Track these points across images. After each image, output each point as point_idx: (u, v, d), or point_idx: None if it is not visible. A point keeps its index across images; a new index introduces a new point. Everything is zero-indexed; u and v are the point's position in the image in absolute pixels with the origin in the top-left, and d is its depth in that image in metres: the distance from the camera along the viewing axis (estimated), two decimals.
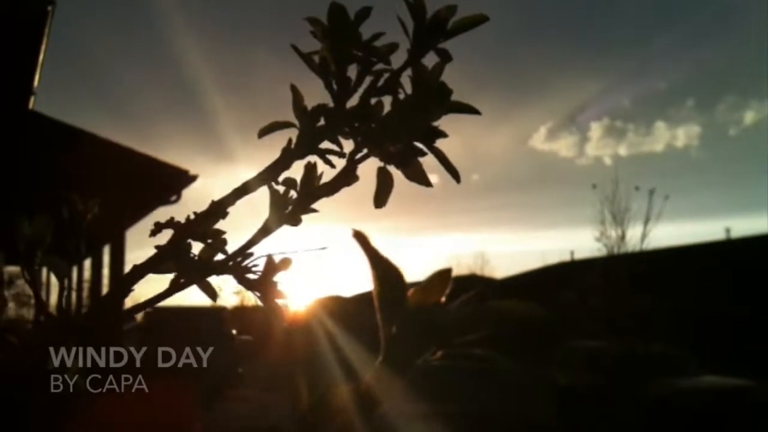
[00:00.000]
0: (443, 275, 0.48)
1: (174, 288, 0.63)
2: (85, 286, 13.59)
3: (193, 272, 0.62)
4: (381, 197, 0.54)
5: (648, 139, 39.28)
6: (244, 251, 0.61)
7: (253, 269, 0.61)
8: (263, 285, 0.61)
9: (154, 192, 11.14)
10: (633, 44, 38.87)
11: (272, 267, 0.61)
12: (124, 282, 0.62)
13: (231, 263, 0.61)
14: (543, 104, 38.03)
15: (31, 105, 8.19)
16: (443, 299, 0.47)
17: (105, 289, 11.79)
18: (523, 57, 39.00)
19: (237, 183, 0.59)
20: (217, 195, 0.60)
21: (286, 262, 0.61)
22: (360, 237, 0.48)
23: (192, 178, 10.96)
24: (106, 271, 11.66)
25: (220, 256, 0.61)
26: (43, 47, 7.04)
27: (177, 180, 10.88)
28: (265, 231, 0.60)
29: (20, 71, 7.37)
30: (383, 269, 0.48)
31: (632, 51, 38.29)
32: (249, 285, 0.61)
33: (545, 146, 40.45)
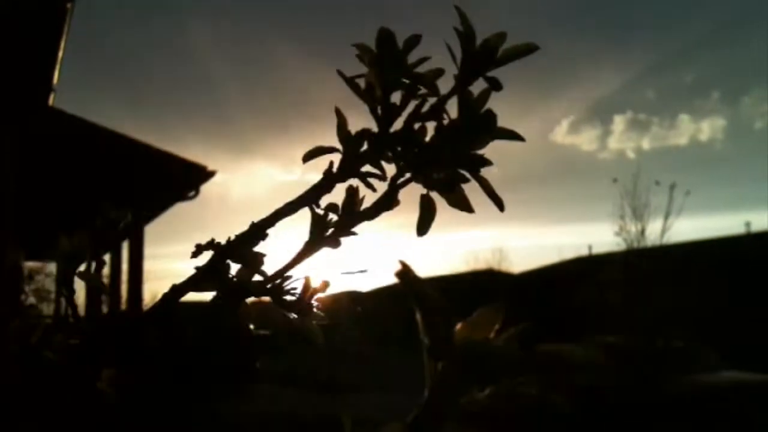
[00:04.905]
0: (494, 311, 0.47)
1: (213, 308, 0.63)
2: (105, 281, 13.69)
3: (232, 294, 0.61)
4: (424, 226, 0.53)
5: (672, 133, 38.82)
6: (282, 273, 0.61)
7: (291, 291, 0.61)
8: (301, 307, 0.61)
9: (173, 188, 11.19)
10: (658, 36, 38.41)
11: (310, 290, 0.61)
12: (165, 302, 0.63)
13: (269, 285, 0.61)
14: (565, 97, 37.63)
15: (51, 101, 8.25)
16: (492, 335, 0.46)
17: (124, 285, 11.84)
18: (547, 49, 38.50)
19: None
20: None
21: (324, 285, 0.61)
22: (404, 274, 0.48)
23: (210, 174, 11.00)
24: (125, 267, 11.74)
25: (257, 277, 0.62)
26: (62, 44, 7.08)
27: (195, 176, 10.93)
28: (304, 253, 0.60)
29: (40, 68, 7.41)
30: (429, 304, 0.47)
31: (657, 43, 37.81)
32: (287, 306, 0.61)
33: (567, 140, 40.04)
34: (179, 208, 11.87)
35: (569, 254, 24.71)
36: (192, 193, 11.16)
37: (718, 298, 14.47)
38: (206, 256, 0.61)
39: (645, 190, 13.44)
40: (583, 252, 22.45)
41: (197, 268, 0.61)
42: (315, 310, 0.61)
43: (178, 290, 0.62)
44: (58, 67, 7.52)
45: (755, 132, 33.32)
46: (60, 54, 7.27)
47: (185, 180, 11.03)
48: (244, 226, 0.62)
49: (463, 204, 0.53)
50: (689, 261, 13.92)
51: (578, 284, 14.20)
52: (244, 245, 0.59)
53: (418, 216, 0.54)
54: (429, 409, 0.46)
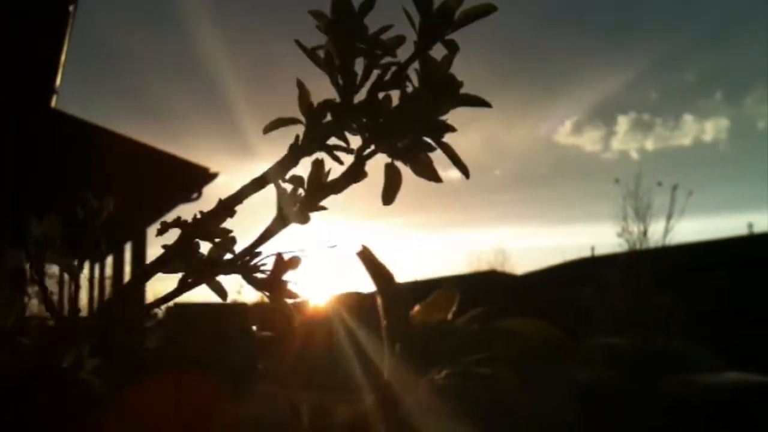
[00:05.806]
0: (449, 294, 0.47)
1: (182, 287, 0.62)
2: (108, 282, 13.71)
3: (201, 272, 0.61)
4: (389, 194, 0.52)
5: (675, 133, 38.71)
6: (251, 250, 0.60)
7: (262, 268, 0.60)
8: (272, 284, 0.60)
9: (175, 190, 11.21)
10: (661, 36, 38.34)
11: (281, 266, 0.60)
12: (134, 281, 0.62)
13: (239, 262, 0.60)
14: (568, 97, 37.54)
15: (53, 104, 8.26)
16: (450, 317, 0.46)
17: None
18: (549, 49, 38.52)
19: None
20: None
21: (295, 261, 0.60)
22: (364, 256, 0.48)
23: (213, 176, 11.02)
24: (127, 268, 11.76)
25: (228, 255, 0.61)
26: (65, 46, 7.10)
27: (198, 178, 10.95)
28: (272, 229, 0.59)
29: (42, 70, 7.43)
30: (387, 288, 0.47)
31: (660, 43, 37.71)
32: (257, 284, 0.61)
33: (570, 140, 40.01)
34: (181, 210, 11.87)
35: (572, 255, 24.70)
36: (195, 195, 11.18)
37: (719, 299, 14.44)
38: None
39: (647, 191, 13.43)
40: (586, 253, 22.45)
41: (165, 247, 0.60)
42: (287, 287, 0.61)
43: (147, 271, 0.62)
44: (60, 69, 7.54)
45: (759, 132, 33.20)
46: (62, 56, 7.29)
47: (188, 182, 11.05)
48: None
49: (428, 173, 0.52)
50: (691, 262, 13.89)
51: (581, 285, 14.17)
52: (212, 222, 0.58)
53: (383, 185, 0.53)
54: (388, 390, 0.46)
